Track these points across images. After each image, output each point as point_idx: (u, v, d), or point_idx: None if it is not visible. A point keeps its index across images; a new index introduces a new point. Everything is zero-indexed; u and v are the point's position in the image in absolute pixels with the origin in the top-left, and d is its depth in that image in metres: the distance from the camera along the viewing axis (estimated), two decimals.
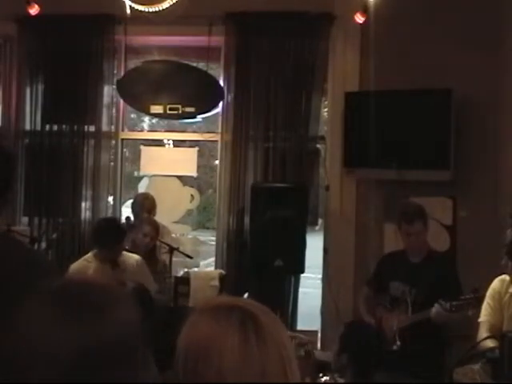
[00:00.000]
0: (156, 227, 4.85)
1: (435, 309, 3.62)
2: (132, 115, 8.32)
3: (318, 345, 5.30)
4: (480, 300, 3.58)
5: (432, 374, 3.80)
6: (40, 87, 5.94)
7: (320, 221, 6.36)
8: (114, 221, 4.98)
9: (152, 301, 3.87)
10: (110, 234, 4.41)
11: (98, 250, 4.41)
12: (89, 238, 4.55)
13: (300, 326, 5.62)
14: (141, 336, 1.17)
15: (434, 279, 3.80)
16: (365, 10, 5.15)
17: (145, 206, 5.48)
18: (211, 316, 1.22)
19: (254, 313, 1.22)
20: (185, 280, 5.31)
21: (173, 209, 6.31)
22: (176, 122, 7.04)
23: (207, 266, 7.52)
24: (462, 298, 3.58)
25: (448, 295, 3.67)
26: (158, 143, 6.68)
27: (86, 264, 4.38)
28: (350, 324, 3.45)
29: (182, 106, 5.75)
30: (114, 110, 6.08)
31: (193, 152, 6.21)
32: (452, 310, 3.55)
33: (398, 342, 3.80)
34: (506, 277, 3.67)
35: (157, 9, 4.67)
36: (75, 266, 4.38)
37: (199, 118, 6.02)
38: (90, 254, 4.49)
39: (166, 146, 6.62)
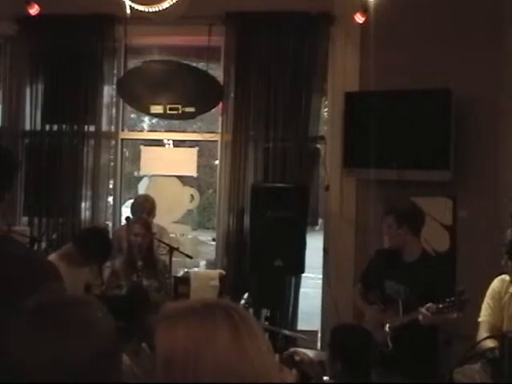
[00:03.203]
0: (146, 225, 4.82)
1: (422, 312, 3.62)
2: (132, 115, 8.33)
3: (318, 345, 5.30)
4: (465, 303, 3.57)
5: (425, 373, 3.80)
6: (40, 87, 5.95)
7: (320, 221, 6.36)
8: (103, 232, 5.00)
9: (148, 299, 3.87)
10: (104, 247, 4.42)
11: (84, 256, 4.35)
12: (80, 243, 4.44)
13: (300, 326, 5.62)
14: (117, 338, 1.27)
15: (427, 280, 3.79)
16: (365, 10, 5.15)
17: (145, 207, 5.48)
18: (191, 318, 1.17)
19: (234, 307, 1.22)
20: (185, 280, 5.31)
21: (173, 209, 6.31)
22: (176, 122, 7.05)
23: (208, 266, 7.52)
24: (447, 300, 3.58)
25: (439, 297, 3.67)
26: (158, 143, 6.68)
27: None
28: (336, 330, 3.41)
29: (182, 106, 5.76)
30: (113, 110, 6.08)
31: (193, 152, 6.21)
32: (437, 312, 3.55)
33: (390, 344, 3.79)
34: (505, 277, 3.67)
35: (157, 9, 4.67)
36: None
37: (199, 117, 6.01)
38: (54, 256, 4.33)
39: (166, 146, 6.62)
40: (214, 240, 6.01)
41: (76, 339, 1.24)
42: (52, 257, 4.33)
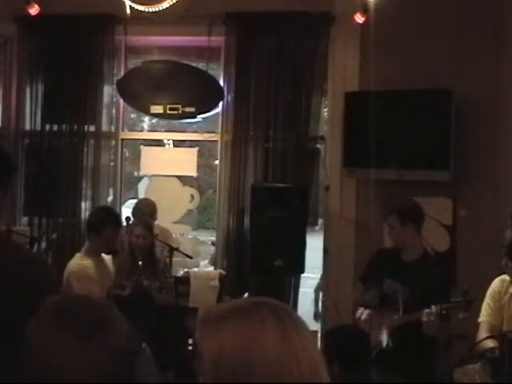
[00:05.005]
0: (147, 227, 4.83)
1: (426, 316, 3.59)
2: (132, 115, 8.34)
3: (318, 345, 5.30)
4: (470, 302, 3.56)
5: (424, 373, 3.79)
6: (40, 87, 5.94)
7: (320, 221, 6.36)
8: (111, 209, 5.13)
9: (151, 301, 3.87)
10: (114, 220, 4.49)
11: (100, 238, 4.36)
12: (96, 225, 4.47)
13: None
14: (137, 339, 1.30)
15: (427, 280, 3.78)
16: (365, 10, 5.16)
17: (146, 212, 5.48)
18: (237, 318, 1.17)
19: (280, 305, 1.21)
20: (185, 280, 5.30)
21: (173, 209, 6.31)
22: (176, 122, 7.05)
23: (207, 266, 7.53)
24: (452, 300, 3.57)
25: (438, 297, 3.65)
26: (158, 143, 6.69)
27: (84, 264, 4.35)
28: (332, 331, 3.42)
29: (182, 106, 5.75)
30: (113, 110, 6.08)
31: (193, 152, 6.21)
32: (442, 312, 3.54)
33: (390, 342, 3.79)
34: (505, 277, 3.67)
35: (157, 9, 4.67)
36: (75, 269, 4.33)
37: (199, 117, 6.02)
38: (79, 255, 4.41)
39: (166, 146, 6.63)
40: (213, 244, 6.01)
41: (91, 341, 1.27)
42: (77, 257, 4.41)
